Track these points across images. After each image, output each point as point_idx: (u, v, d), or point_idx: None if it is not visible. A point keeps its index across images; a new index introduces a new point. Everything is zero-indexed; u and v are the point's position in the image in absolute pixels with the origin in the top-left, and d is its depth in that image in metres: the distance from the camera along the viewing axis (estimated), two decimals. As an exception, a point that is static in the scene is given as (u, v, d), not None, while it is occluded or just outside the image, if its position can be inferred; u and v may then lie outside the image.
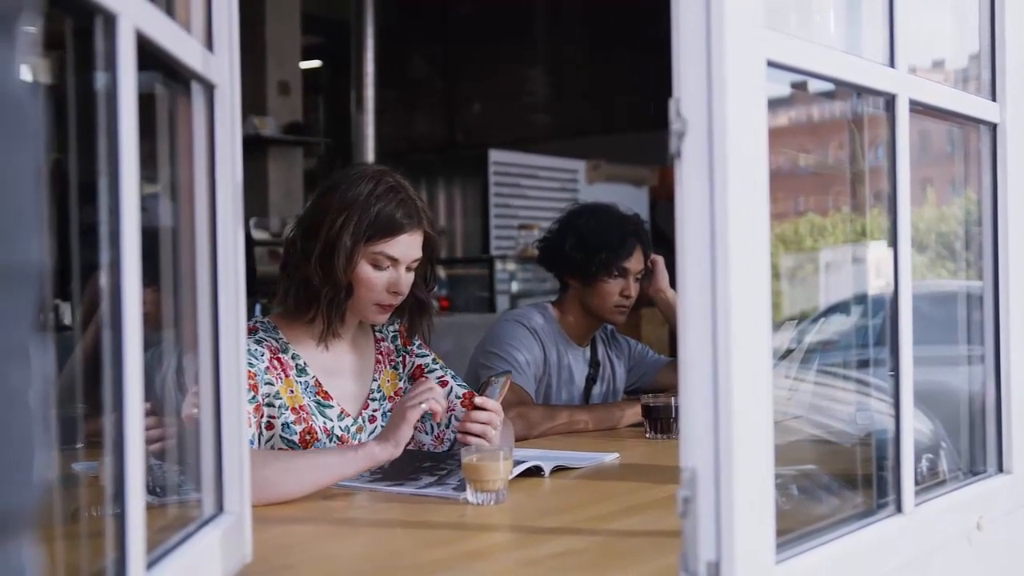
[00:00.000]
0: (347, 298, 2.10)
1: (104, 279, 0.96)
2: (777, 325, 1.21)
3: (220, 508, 1.32)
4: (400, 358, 2.29)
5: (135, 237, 0.97)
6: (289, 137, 7.20)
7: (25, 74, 0.56)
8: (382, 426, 2.17)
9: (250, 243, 4.48)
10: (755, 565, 1.12)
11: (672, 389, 2.86)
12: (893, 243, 1.46)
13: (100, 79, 0.97)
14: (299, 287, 2.10)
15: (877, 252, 1.75)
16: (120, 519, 0.97)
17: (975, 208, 1.84)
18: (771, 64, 1.18)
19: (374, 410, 2.22)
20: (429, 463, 2.06)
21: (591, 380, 3.02)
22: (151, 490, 1.19)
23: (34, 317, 0.55)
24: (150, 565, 1.03)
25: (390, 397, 2.24)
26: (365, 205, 2.05)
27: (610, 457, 2.26)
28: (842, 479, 1.64)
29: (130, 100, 0.97)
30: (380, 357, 2.27)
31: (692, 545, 1.11)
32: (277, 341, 2.12)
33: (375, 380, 2.23)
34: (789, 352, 1.81)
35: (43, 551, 0.70)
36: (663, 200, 7.72)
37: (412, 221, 2.09)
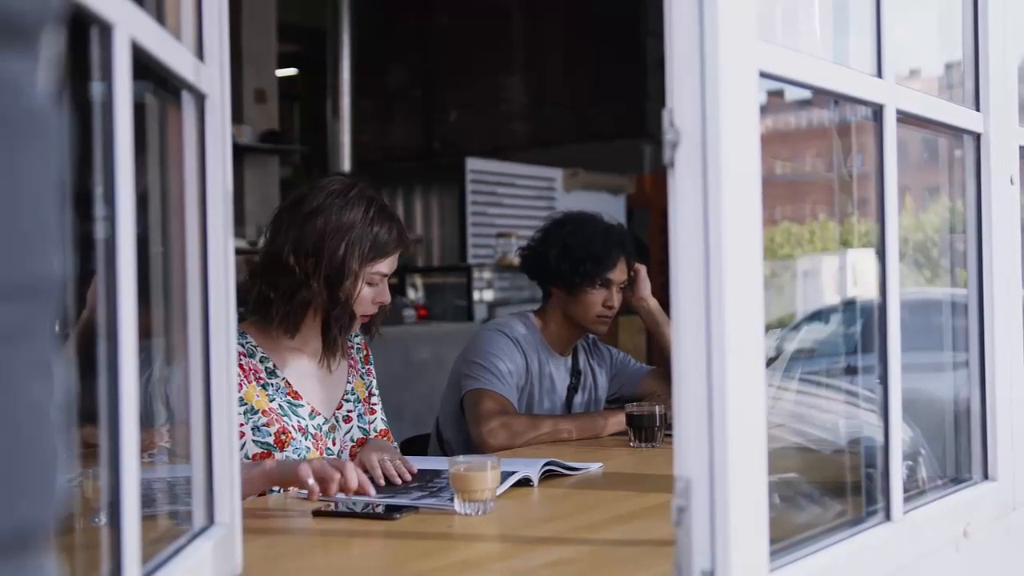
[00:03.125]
0: (352, 320, 2.16)
1: (99, 289, 0.95)
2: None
3: (211, 520, 1.31)
4: (365, 369, 2.39)
5: (130, 246, 0.97)
6: (265, 145, 7.18)
7: (46, 87, 0.55)
8: (358, 426, 2.28)
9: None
10: (750, 573, 1.13)
11: (654, 397, 2.87)
12: (881, 251, 1.46)
13: (95, 88, 0.96)
14: (297, 308, 2.13)
15: (855, 260, 1.76)
16: (115, 532, 0.96)
17: (952, 216, 1.86)
18: (763, 75, 1.19)
19: (348, 410, 2.29)
20: (419, 481, 2.05)
21: (572, 389, 3.02)
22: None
23: (54, 331, 0.54)
24: (144, 578, 1.03)
25: (363, 400, 2.33)
26: (364, 229, 2.14)
27: (595, 467, 2.26)
28: (828, 487, 1.64)
29: (125, 109, 0.96)
30: (352, 362, 2.35)
31: (687, 554, 1.11)
32: (243, 346, 2.15)
33: (349, 382, 2.31)
34: (771, 360, 1.82)
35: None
36: (640, 208, 7.75)
37: (402, 239, 2.21)
